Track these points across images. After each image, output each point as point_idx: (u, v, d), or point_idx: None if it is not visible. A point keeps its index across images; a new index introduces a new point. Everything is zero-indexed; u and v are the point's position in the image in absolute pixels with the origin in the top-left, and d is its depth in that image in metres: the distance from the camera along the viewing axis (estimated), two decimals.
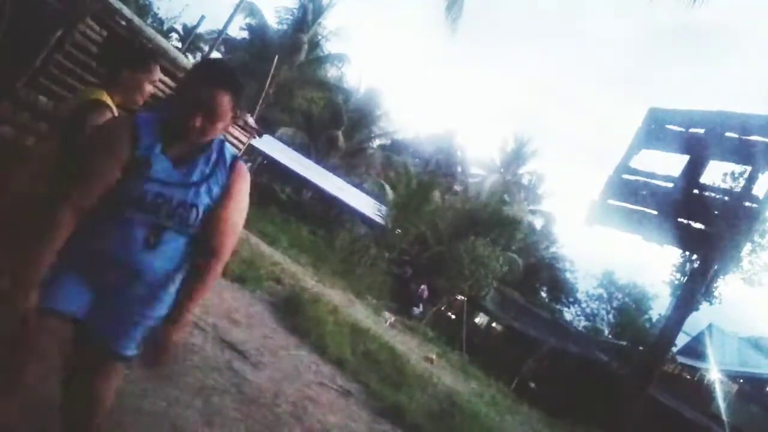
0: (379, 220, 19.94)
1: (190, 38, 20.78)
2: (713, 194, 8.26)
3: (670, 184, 8.26)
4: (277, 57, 12.69)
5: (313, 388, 4.61)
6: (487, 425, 6.77)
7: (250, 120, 6.93)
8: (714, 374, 19.43)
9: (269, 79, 11.68)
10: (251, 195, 1.80)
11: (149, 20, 24.81)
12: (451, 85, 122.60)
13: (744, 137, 7.76)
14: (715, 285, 18.46)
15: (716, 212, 7.69)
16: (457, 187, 32.38)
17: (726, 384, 19.92)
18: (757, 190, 7.68)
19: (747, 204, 7.59)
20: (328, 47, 27.20)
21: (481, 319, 23.54)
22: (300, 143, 25.83)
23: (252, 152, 18.46)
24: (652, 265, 30.08)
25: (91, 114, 1.96)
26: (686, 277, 16.56)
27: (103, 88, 2.10)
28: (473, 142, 74.12)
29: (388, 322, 12.48)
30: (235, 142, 6.53)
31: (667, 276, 21.40)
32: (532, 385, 16.99)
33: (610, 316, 28.07)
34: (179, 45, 23.78)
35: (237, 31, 27.47)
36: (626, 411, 8.04)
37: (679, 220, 7.94)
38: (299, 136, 26.46)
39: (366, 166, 29.92)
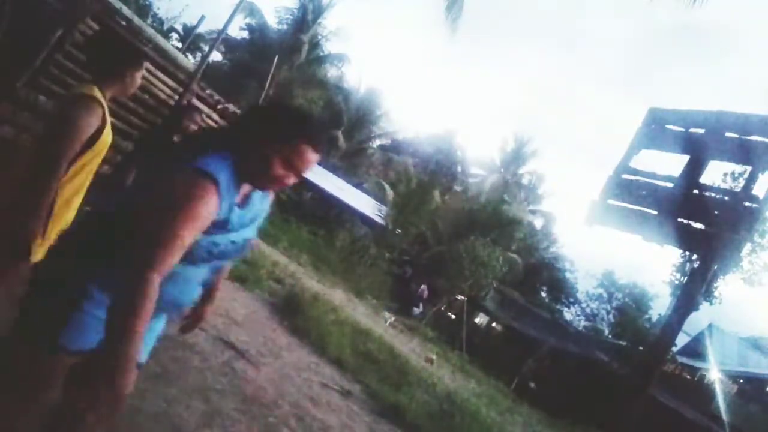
0: (379, 220, 19.95)
1: (190, 38, 20.80)
2: (713, 194, 8.26)
3: (670, 184, 8.27)
4: (277, 57, 12.69)
5: (313, 388, 4.60)
6: (487, 425, 6.76)
7: None
8: (714, 374, 19.43)
9: (269, 79, 11.70)
10: None
11: (149, 20, 24.77)
12: (451, 85, 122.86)
13: (744, 137, 7.77)
14: (715, 285, 18.49)
15: (716, 212, 7.70)
16: (457, 187, 32.37)
17: (726, 384, 19.92)
18: (757, 190, 7.70)
19: (747, 204, 7.59)
20: (328, 47, 27.21)
21: (481, 319, 23.51)
22: None
23: None
24: (652, 265, 30.17)
25: (78, 109, 1.96)
26: (686, 277, 16.57)
27: (94, 83, 2.09)
28: (473, 142, 74.45)
29: (388, 322, 12.48)
30: None
31: (667, 276, 21.50)
32: (532, 385, 16.96)
33: (610, 316, 28.11)
34: (179, 45, 23.82)
35: (237, 31, 27.50)
36: (626, 411, 8.05)
37: (679, 220, 7.95)
38: None
39: (366, 166, 29.92)
